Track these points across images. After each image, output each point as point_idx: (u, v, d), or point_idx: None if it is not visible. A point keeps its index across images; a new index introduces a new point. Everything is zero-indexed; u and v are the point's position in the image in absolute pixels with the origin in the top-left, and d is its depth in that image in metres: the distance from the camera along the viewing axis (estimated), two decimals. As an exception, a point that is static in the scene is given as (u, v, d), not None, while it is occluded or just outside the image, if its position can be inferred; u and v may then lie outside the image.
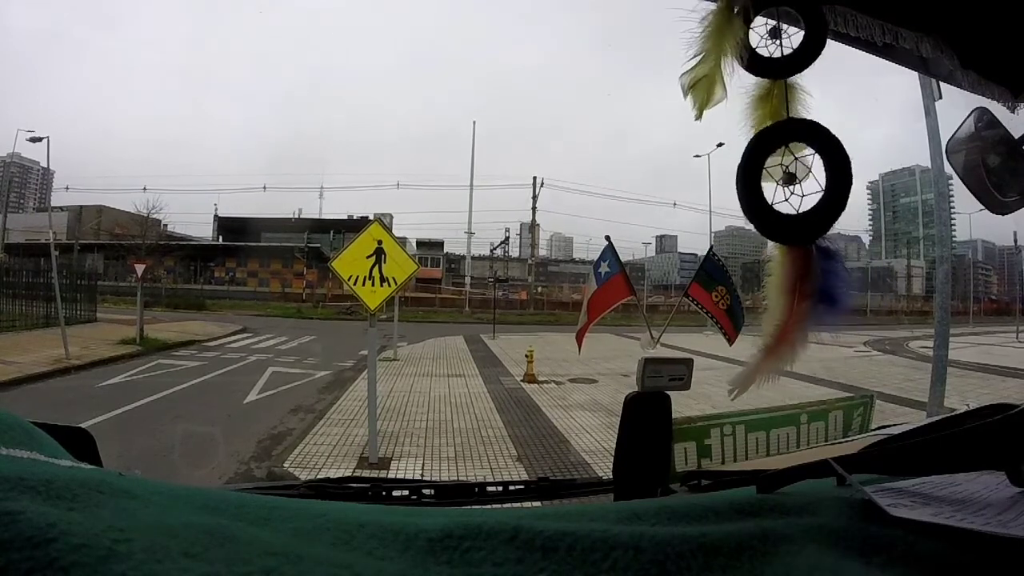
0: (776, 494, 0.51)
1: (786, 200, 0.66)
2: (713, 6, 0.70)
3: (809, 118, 0.68)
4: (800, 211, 0.66)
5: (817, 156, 0.66)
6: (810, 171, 0.66)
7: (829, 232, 0.67)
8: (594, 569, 0.34)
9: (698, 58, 0.71)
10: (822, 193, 0.65)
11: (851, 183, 0.65)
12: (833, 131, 0.66)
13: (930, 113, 5.50)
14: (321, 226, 40.64)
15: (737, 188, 0.67)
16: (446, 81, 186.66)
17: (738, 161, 0.69)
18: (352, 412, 6.78)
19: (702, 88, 0.73)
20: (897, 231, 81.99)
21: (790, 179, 0.67)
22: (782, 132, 0.67)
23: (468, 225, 40.09)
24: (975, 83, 0.76)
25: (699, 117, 0.76)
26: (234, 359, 11.26)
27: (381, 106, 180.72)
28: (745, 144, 0.69)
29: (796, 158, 0.67)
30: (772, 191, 0.67)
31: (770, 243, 0.73)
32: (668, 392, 0.86)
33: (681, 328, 17.18)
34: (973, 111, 0.81)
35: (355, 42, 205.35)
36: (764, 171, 0.67)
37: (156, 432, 5.55)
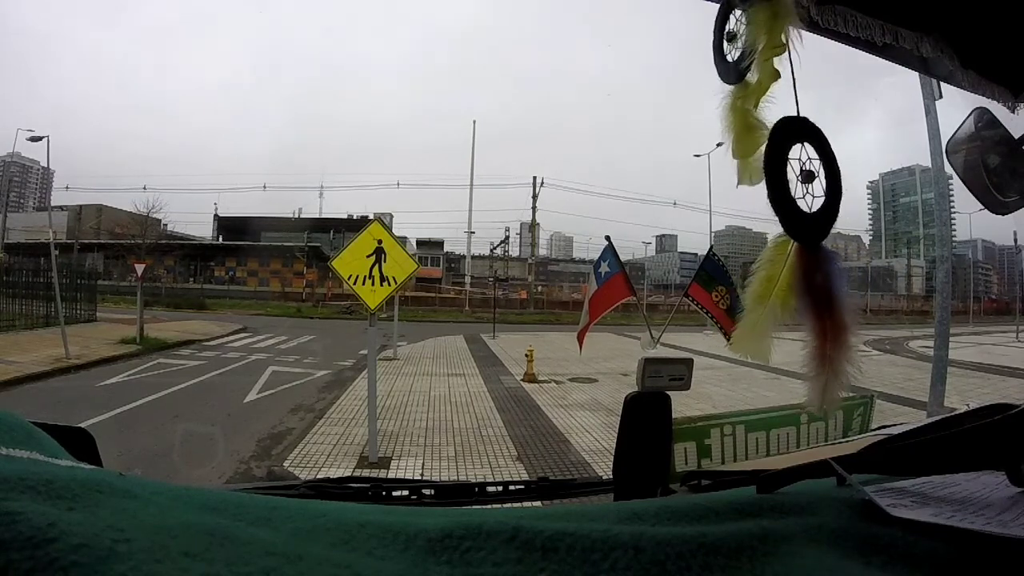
0: (776, 494, 0.51)
1: (802, 198, 0.66)
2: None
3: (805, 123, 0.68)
4: (812, 210, 0.66)
5: (820, 162, 0.66)
6: (816, 174, 0.66)
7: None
8: (594, 569, 0.34)
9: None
10: (823, 198, 0.65)
11: (841, 196, 0.66)
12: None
13: (930, 113, 5.50)
14: (321, 225, 40.66)
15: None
16: (447, 80, 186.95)
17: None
18: (352, 411, 6.77)
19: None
20: (897, 231, 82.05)
21: (808, 177, 0.66)
22: (798, 128, 0.66)
23: (468, 224, 40.14)
24: (975, 83, 0.76)
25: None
26: (234, 358, 11.25)
27: (382, 106, 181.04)
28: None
29: (811, 158, 0.66)
30: (792, 185, 0.67)
31: (769, 243, 0.73)
32: (668, 392, 0.86)
33: (681, 328, 17.21)
34: (973, 111, 0.81)
35: (355, 42, 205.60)
36: (788, 162, 0.66)
37: (156, 432, 5.55)
